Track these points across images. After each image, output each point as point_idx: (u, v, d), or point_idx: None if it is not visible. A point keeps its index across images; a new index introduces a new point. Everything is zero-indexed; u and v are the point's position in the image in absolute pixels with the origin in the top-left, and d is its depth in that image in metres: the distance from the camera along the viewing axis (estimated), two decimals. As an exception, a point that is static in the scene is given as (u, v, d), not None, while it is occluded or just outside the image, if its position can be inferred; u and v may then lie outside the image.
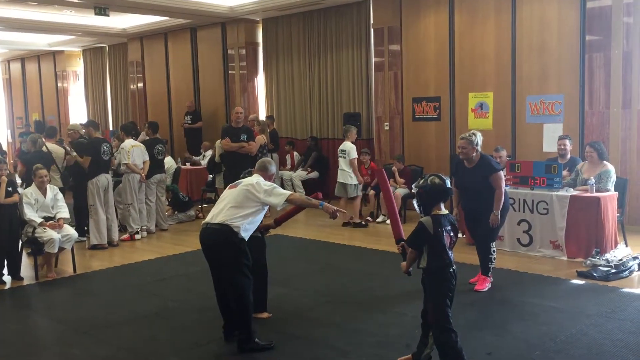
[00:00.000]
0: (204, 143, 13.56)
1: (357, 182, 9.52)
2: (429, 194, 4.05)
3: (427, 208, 4.08)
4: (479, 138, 5.99)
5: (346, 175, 9.56)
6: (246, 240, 4.69)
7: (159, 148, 9.68)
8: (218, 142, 10.29)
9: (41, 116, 19.99)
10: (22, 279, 6.98)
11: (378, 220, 9.95)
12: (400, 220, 4.50)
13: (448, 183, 4.10)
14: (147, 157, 9.20)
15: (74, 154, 8.67)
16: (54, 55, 19.19)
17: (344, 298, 5.97)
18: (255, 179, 4.83)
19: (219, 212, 4.69)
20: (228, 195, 4.79)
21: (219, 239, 4.62)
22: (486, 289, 6.00)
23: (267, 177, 4.95)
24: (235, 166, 9.21)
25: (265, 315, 5.29)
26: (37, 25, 14.13)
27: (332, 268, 7.28)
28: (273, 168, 5.09)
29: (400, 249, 4.28)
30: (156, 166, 9.57)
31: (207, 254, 4.77)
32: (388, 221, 9.60)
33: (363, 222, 9.61)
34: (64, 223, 7.20)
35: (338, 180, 9.66)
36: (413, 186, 4.21)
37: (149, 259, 7.85)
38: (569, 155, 8.02)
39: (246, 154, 9.12)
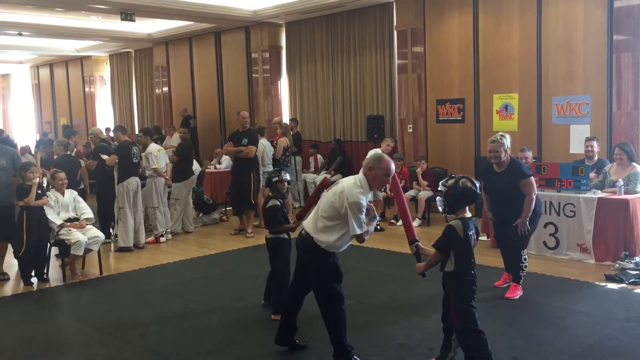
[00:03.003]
0: (217, 150, 13.57)
1: None
2: (460, 196, 4.00)
3: (453, 209, 4.04)
4: (507, 140, 5.82)
5: None
6: (338, 251, 4.32)
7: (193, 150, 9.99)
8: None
9: (69, 121, 20.35)
10: (48, 280, 7.09)
11: (399, 223, 9.87)
12: (412, 222, 4.41)
13: (478, 188, 4.04)
14: (168, 161, 9.39)
15: (105, 157, 8.80)
16: (81, 60, 19.54)
17: (366, 301, 5.94)
18: (347, 185, 4.20)
19: (310, 218, 4.40)
20: (322, 199, 4.43)
21: (305, 250, 4.39)
22: (517, 296, 5.83)
23: (379, 175, 4.19)
24: (238, 170, 9.40)
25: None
26: (64, 31, 14.42)
27: (355, 271, 7.24)
28: (390, 165, 4.25)
29: (414, 250, 4.23)
30: (192, 167, 9.90)
31: (298, 256, 4.55)
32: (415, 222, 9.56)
33: (377, 226, 9.47)
34: (88, 224, 7.31)
35: None
36: (440, 183, 4.15)
37: (173, 262, 7.92)
38: (596, 157, 7.87)
39: (246, 157, 9.22)
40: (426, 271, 4.18)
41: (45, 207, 7.07)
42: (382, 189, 9.67)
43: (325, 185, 5.45)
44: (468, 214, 4.02)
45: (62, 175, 7.38)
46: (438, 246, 4.03)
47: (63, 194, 7.34)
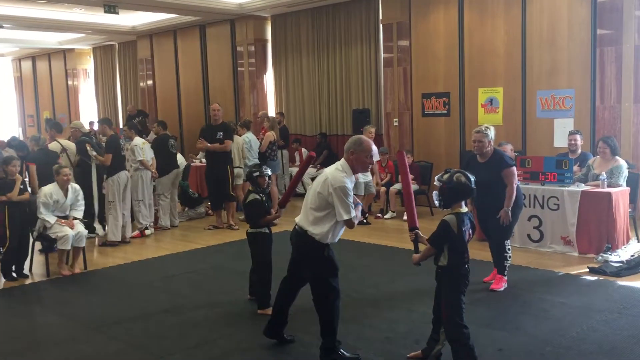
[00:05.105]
0: None
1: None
2: (453, 191, 3.99)
3: (448, 204, 4.03)
4: (492, 132, 5.92)
5: None
6: (331, 242, 4.29)
7: (172, 142, 9.84)
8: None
9: (52, 114, 20.13)
10: (27, 276, 7.01)
11: (386, 216, 9.92)
12: (415, 209, 4.29)
13: (473, 183, 4.04)
14: (153, 154, 9.30)
15: (94, 153, 8.69)
16: (64, 53, 19.31)
17: (352, 294, 5.95)
18: (330, 172, 4.21)
19: (301, 212, 4.35)
20: (308, 192, 4.38)
21: (300, 244, 4.35)
22: (502, 288, 5.89)
23: (361, 158, 4.22)
24: (214, 164, 9.28)
25: (270, 311, 5.25)
26: (47, 23, 14.24)
27: (340, 264, 7.22)
28: (371, 146, 4.26)
29: (413, 237, 4.19)
30: (172, 161, 9.70)
31: (292, 251, 4.52)
32: (403, 217, 9.58)
33: (364, 220, 9.51)
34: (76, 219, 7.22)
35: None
36: (436, 178, 4.15)
37: (159, 256, 7.88)
38: (579, 151, 7.95)
39: (223, 152, 9.19)
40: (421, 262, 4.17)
41: (40, 205, 6.91)
42: (373, 182, 9.69)
43: (310, 160, 5.34)
44: (464, 209, 4.02)
45: (67, 170, 7.18)
46: (432, 241, 4.03)
47: (66, 192, 7.11)
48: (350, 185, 4.15)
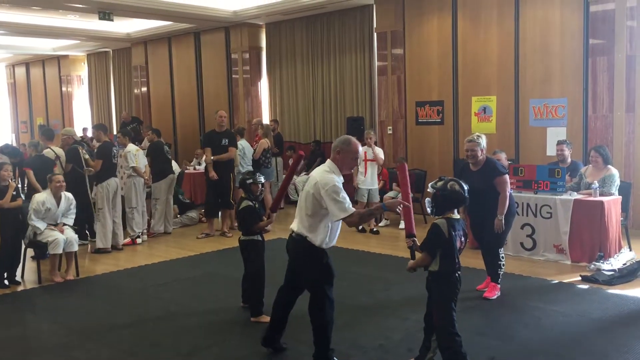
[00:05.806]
0: (197, 151, 13.51)
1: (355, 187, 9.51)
2: (446, 199, 4.01)
3: (441, 211, 4.05)
4: (484, 140, 5.96)
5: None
6: (329, 247, 4.28)
7: (166, 148, 9.89)
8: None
9: (45, 120, 20.07)
10: (19, 283, 6.97)
11: (381, 224, 9.92)
12: (412, 216, 4.26)
13: (467, 191, 4.06)
14: (146, 162, 9.30)
15: (87, 156, 8.66)
16: (58, 59, 19.29)
17: (346, 302, 5.94)
18: (318, 174, 4.19)
19: (296, 219, 4.33)
20: (300, 199, 4.35)
21: (299, 250, 4.31)
22: (495, 296, 5.90)
23: (347, 159, 4.22)
24: (217, 171, 9.21)
25: (265, 318, 5.25)
26: (41, 30, 14.23)
27: (335, 271, 7.25)
28: (358, 148, 4.28)
29: (411, 244, 4.17)
30: (168, 165, 9.72)
31: (289, 260, 4.50)
32: (400, 224, 9.57)
33: (374, 229, 9.52)
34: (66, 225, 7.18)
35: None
36: (430, 185, 4.16)
37: (152, 263, 7.86)
38: (569, 160, 7.99)
39: (227, 159, 9.20)
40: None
41: (32, 211, 6.87)
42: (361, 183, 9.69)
43: (298, 161, 5.31)
44: (456, 216, 4.05)
45: (59, 177, 7.14)
46: (425, 248, 4.03)
47: (59, 200, 7.08)
48: (340, 183, 4.15)
